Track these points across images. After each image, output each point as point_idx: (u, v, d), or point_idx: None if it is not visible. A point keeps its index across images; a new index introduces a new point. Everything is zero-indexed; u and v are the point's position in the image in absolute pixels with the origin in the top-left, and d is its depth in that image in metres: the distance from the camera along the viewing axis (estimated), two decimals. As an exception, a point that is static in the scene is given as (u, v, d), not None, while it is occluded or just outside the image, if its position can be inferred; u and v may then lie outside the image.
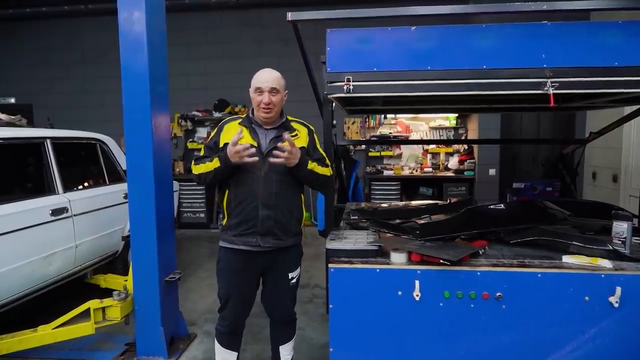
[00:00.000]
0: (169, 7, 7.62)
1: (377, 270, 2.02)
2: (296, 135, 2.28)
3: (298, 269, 2.42)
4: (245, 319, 2.44)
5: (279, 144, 2.12)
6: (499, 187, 6.84)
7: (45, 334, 2.79)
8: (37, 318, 3.14)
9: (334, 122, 2.76)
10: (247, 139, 2.20)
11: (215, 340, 2.43)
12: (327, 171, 2.32)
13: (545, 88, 1.85)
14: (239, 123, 2.28)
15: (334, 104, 2.71)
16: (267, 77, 2.20)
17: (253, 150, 2.09)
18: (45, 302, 3.65)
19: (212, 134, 2.33)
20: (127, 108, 2.81)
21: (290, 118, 2.34)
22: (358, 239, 2.26)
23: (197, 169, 2.26)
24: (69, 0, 7.36)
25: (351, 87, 1.95)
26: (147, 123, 2.79)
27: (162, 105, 2.94)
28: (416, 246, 2.08)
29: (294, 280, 2.40)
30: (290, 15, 1.98)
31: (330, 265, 2.07)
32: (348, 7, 2.09)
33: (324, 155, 2.39)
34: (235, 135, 2.07)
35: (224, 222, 2.28)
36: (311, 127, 2.39)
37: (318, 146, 2.37)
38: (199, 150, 2.41)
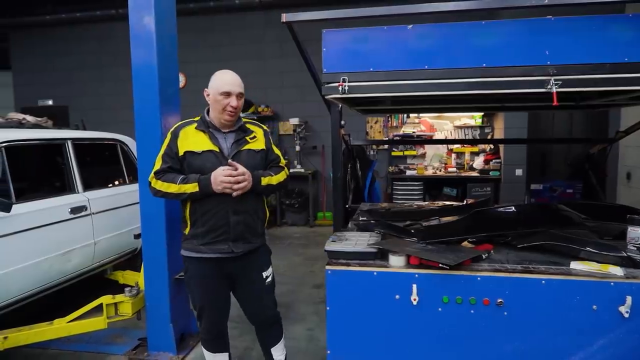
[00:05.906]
0: (196, 10, 7.79)
1: (375, 273, 1.99)
2: (254, 137, 2.29)
3: (270, 268, 2.41)
4: (226, 321, 2.43)
5: (231, 162, 2.13)
6: (525, 187, 6.61)
7: (60, 327, 2.90)
8: (58, 311, 3.27)
9: (342, 122, 2.73)
10: (207, 144, 2.19)
11: (203, 348, 2.44)
12: (281, 176, 2.34)
13: (549, 86, 1.77)
14: (195, 128, 2.23)
15: (340, 105, 2.68)
16: (234, 82, 2.19)
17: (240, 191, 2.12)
18: (67, 296, 3.78)
19: (167, 141, 2.22)
20: (138, 110, 2.88)
21: (244, 120, 2.33)
22: (359, 241, 2.23)
23: (163, 187, 2.16)
24: (101, 5, 7.67)
25: (346, 87, 1.93)
26: (157, 125, 2.85)
27: (172, 107, 2.99)
28: (416, 249, 2.03)
29: (269, 279, 2.38)
30: (285, 17, 1.97)
31: (327, 267, 2.05)
32: (363, 7, 2.04)
33: (279, 154, 2.41)
34: (227, 169, 2.10)
35: (187, 231, 2.24)
36: (265, 128, 2.40)
37: (273, 146, 2.39)
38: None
